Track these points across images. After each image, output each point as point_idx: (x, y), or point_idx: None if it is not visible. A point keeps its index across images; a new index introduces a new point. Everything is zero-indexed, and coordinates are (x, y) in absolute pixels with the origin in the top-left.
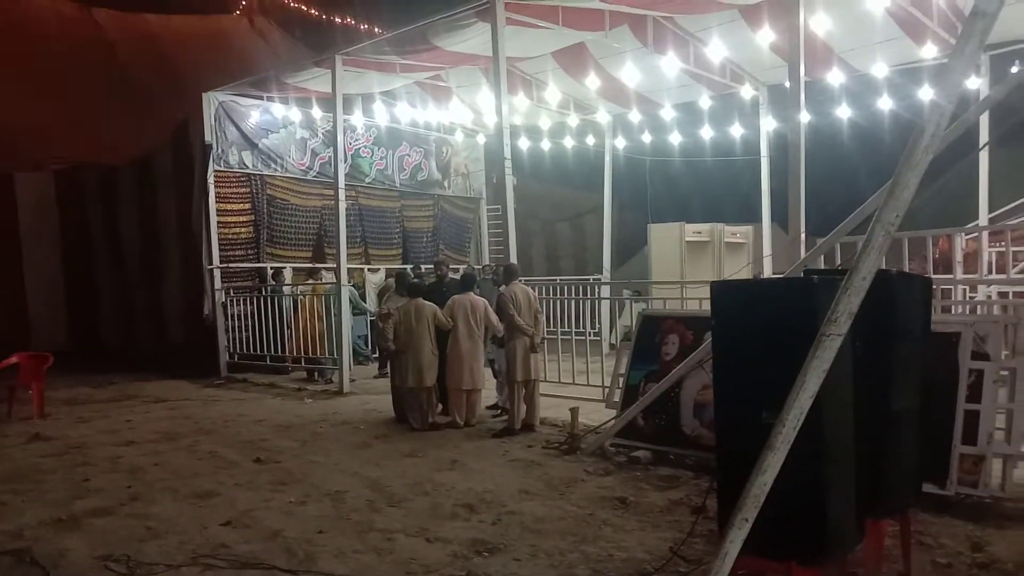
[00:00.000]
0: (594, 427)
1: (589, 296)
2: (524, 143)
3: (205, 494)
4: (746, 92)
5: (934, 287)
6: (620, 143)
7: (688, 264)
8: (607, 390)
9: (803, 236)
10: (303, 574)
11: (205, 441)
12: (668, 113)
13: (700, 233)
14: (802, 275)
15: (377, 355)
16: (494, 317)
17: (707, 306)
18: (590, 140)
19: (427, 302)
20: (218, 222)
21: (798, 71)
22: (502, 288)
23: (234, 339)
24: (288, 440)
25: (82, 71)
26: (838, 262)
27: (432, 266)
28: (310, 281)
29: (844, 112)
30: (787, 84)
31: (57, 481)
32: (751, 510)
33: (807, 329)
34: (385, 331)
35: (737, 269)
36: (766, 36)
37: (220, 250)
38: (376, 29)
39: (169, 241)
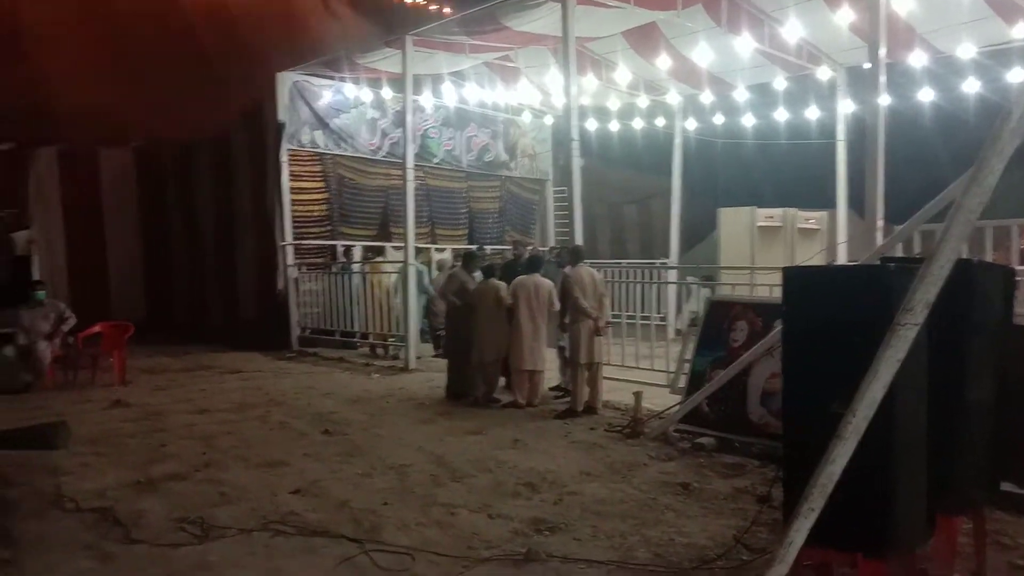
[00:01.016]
0: (658, 412)
1: (655, 280)
2: (592, 124)
3: (275, 463)
4: (823, 73)
5: (1018, 279)
6: (690, 125)
7: (759, 250)
8: (672, 375)
9: (880, 223)
10: (368, 544)
11: (276, 412)
12: (741, 95)
13: (772, 218)
14: (878, 263)
15: (432, 335)
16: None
17: (778, 293)
18: (660, 121)
19: (496, 280)
20: (291, 200)
21: (878, 52)
22: (567, 270)
23: (306, 314)
24: (355, 413)
25: (163, 51)
26: (916, 250)
27: (504, 247)
28: (376, 259)
29: (926, 95)
30: (866, 65)
31: (136, 445)
32: (818, 500)
33: (882, 318)
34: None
35: (810, 256)
36: (845, 16)
37: (293, 227)
38: (446, 9)
39: (243, 217)
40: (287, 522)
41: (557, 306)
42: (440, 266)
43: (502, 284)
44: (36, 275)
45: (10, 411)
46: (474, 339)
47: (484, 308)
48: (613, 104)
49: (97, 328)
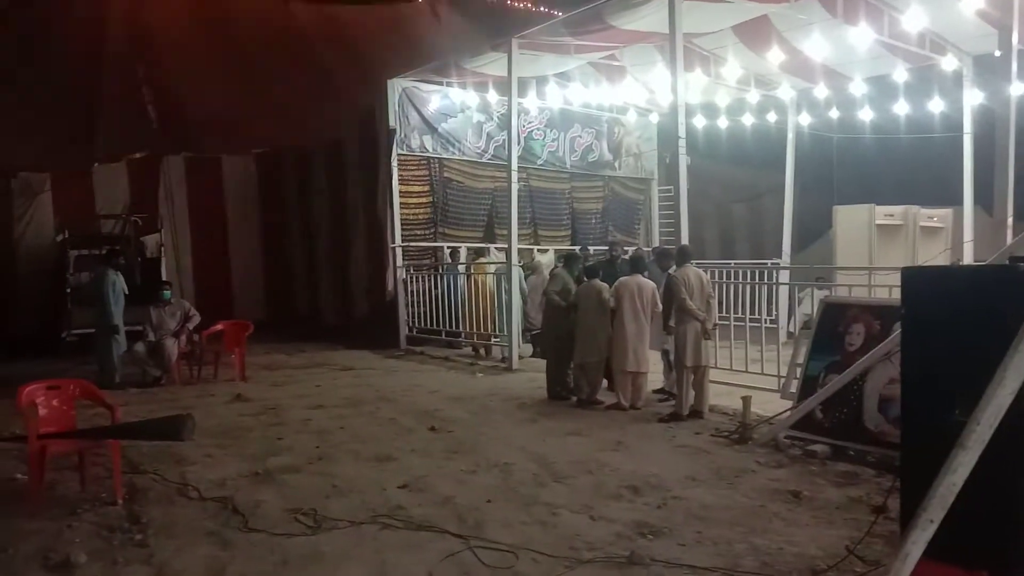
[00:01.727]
0: (767, 417)
1: (766, 281)
2: (699, 121)
3: (384, 458)
4: (948, 63)
5: None
6: (804, 120)
7: (878, 249)
8: (783, 380)
9: (1010, 220)
10: (473, 540)
11: (385, 408)
12: (858, 87)
13: (892, 216)
14: (1008, 263)
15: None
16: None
17: (897, 294)
18: (771, 117)
19: (599, 281)
20: (400, 203)
21: (1010, 39)
22: (673, 271)
23: (413, 313)
24: (460, 411)
25: (280, 61)
26: None
27: (605, 248)
28: (480, 260)
29: None
30: (997, 53)
31: (255, 438)
32: (937, 511)
33: (1009, 322)
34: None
35: (933, 255)
36: (972, 2)
37: (401, 230)
38: (551, 11)
39: (356, 221)
40: (395, 516)
41: (660, 307)
42: (534, 268)
43: (604, 285)
44: (164, 276)
45: (140, 404)
46: (576, 340)
47: (586, 309)
48: (722, 100)
49: (220, 326)
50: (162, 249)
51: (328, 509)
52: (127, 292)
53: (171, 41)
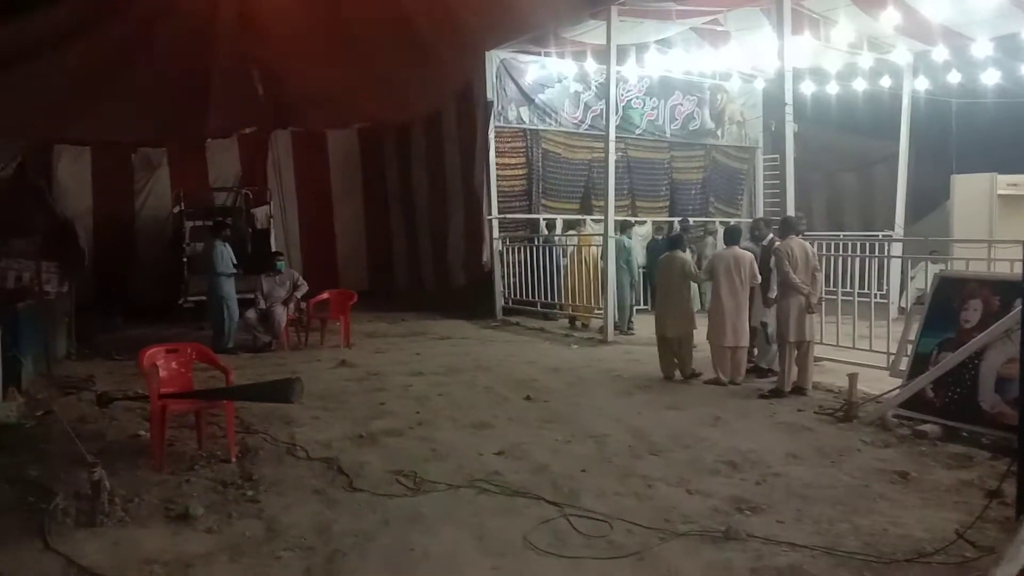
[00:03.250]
0: (875, 396)
1: (877, 254)
2: (807, 87)
3: (481, 424)
4: None
5: None
6: (920, 84)
7: (999, 221)
8: (892, 357)
9: None
10: (567, 508)
11: (481, 377)
12: (981, 49)
13: (1016, 186)
14: None
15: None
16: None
17: (1019, 269)
18: (884, 82)
19: (680, 252)
20: (496, 175)
21: None
22: (778, 243)
23: (509, 285)
24: (555, 382)
25: (382, 36)
26: None
27: (707, 219)
28: (571, 232)
29: None
30: None
31: (358, 403)
32: None
33: None
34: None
35: None
36: None
37: (498, 201)
38: None
39: (454, 193)
40: (491, 481)
41: (759, 279)
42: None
43: (688, 257)
44: (273, 246)
45: (251, 367)
46: (656, 312)
47: (667, 282)
48: (831, 65)
49: (326, 295)
50: (271, 220)
51: (427, 472)
52: (235, 262)
53: (278, 20)
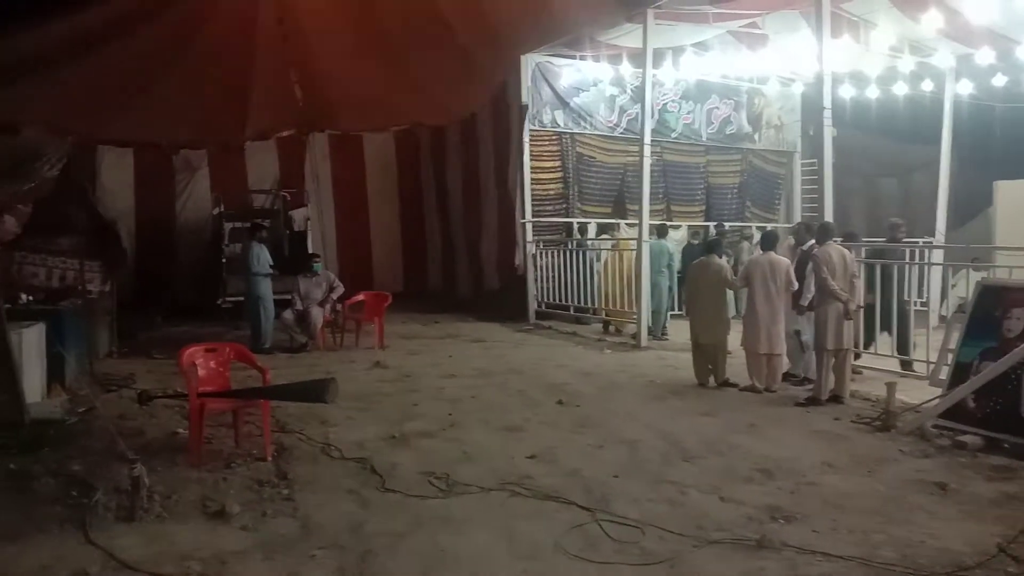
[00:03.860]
0: (913, 405)
1: (916, 261)
2: (846, 91)
3: (513, 428)
4: None
5: None
6: (963, 88)
7: None
8: (932, 366)
9: None
10: (599, 513)
11: (514, 380)
12: None
13: None
14: None
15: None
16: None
17: None
18: (926, 86)
19: (717, 258)
20: (531, 179)
21: None
22: (815, 249)
23: (542, 288)
24: (587, 386)
25: (417, 39)
26: None
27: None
28: (604, 236)
29: None
30: None
31: (392, 404)
32: None
33: None
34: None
35: None
36: None
37: (532, 205)
38: None
39: (488, 196)
40: (522, 485)
41: (795, 286)
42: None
43: (724, 263)
44: (311, 248)
45: (287, 367)
46: (691, 318)
47: (701, 288)
48: (871, 68)
49: (361, 297)
50: (308, 222)
51: (459, 474)
52: (272, 263)
53: (316, 24)
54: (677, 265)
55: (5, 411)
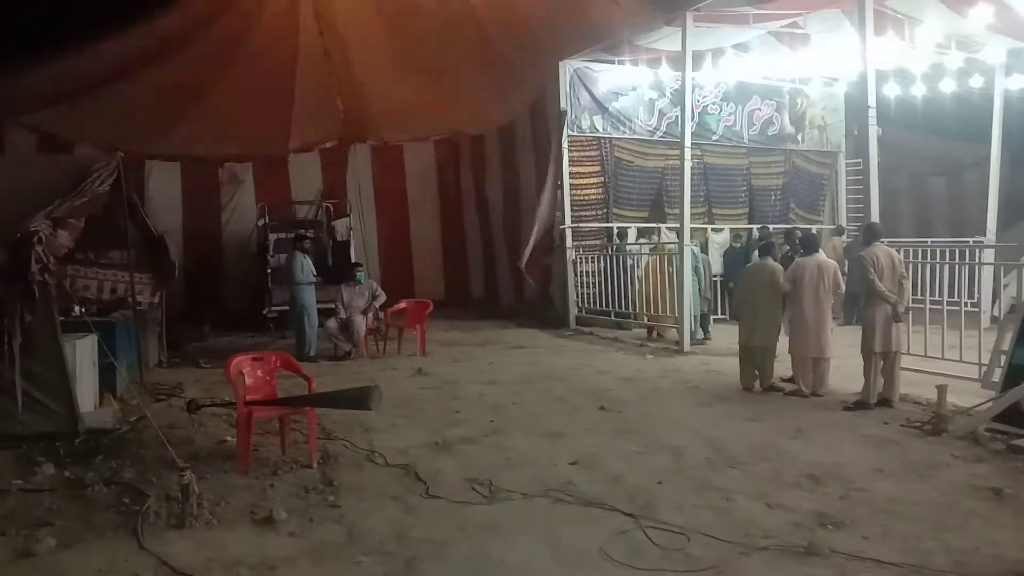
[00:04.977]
0: (965, 408)
1: (967, 261)
2: (892, 89)
3: (555, 434)
4: None
5: None
6: (1014, 84)
7: None
8: (984, 368)
9: None
10: (643, 519)
11: (555, 386)
12: None
13: None
14: None
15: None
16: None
17: None
18: (975, 82)
19: (771, 261)
20: (570, 184)
21: None
22: (862, 250)
23: (583, 294)
24: (629, 392)
25: (457, 48)
26: None
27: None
28: (643, 241)
29: None
30: None
31: (434, 410)
32: None
33: None
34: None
35: None
36: None
37: (571, 211)
38: None
39: (528, 202)
40: (566, 491)
41: (843, 289)
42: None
43: (778, 266)
44: (353, 258)
45: (331, 376)
46: (741, 321)
47: (756, 291)
48: (917, 66)
49: (403, 305)
50: (351, 232)
51: (502, 481)
52: (315, 273)
53: (355, 35)
54: (717, 268)
55: (60, 421)
